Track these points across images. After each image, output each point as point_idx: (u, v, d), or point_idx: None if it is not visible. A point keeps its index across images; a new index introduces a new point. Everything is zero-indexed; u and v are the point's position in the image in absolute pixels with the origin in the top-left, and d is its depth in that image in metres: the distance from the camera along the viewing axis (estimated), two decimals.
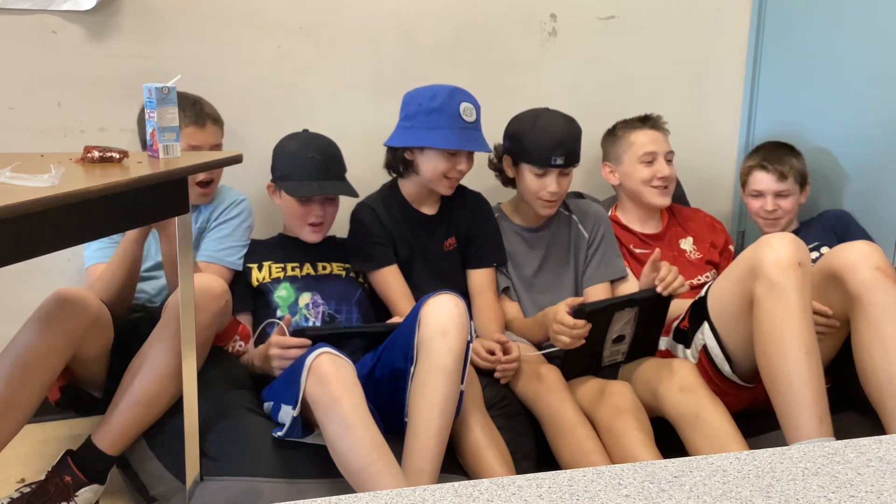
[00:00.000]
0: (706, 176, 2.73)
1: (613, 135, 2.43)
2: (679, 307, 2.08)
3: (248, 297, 2.10)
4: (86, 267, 2.06)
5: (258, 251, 2.15)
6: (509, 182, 2.30)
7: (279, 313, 2.07)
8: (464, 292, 2.18)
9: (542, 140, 2.14)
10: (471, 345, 1.73)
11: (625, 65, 2.65)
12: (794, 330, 1.69)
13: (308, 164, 2.06)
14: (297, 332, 1.86)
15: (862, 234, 2.27)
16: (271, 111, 2.35)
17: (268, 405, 1.84)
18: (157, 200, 1.48)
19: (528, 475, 1.17)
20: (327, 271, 2.17)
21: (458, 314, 1.69)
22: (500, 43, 2.53)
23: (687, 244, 2.41)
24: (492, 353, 2.00)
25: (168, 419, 1.77)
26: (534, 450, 1.95)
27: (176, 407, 1.74)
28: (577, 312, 1.90)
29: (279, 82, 2.37)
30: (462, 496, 1.11)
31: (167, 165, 1.46)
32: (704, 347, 1.94)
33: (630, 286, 2.27)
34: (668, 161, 2.36)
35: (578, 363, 2.02)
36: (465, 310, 1.71)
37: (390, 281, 2.14)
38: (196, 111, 2.05)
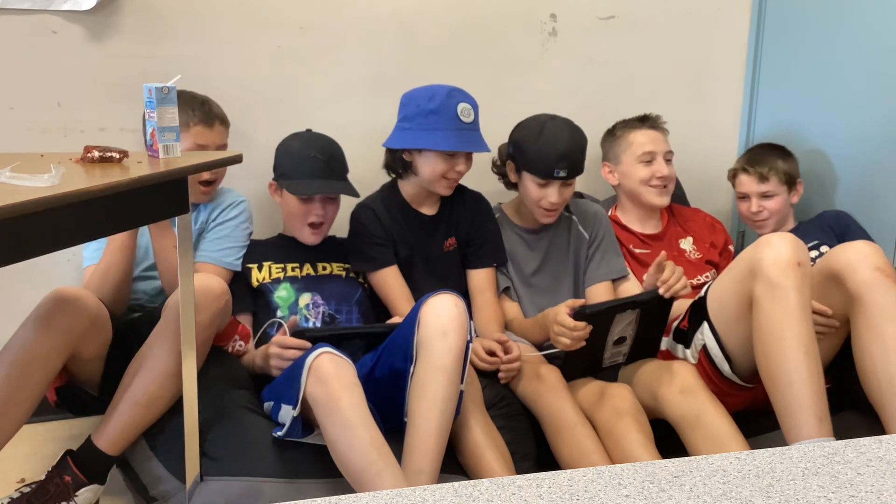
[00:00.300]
0: (706, 176, 2.73)
1: (613, 135, 2.42)
2: (679, 307, 2.08)
3: (248, 297, 2.10)
4: (83, 267, 2.05)
5: (258, 251, 2.15)
6: (512, 186, 2.30)
7: (279, 314, 2.07)
8: (464, 292, 2.18)
9: (546, 151, 2.12)
10: (470, 345, 1.73)
11: (625, 65, 2.65)
12: (794, 330, 1.69)
13: (310, 163, 2.06)
14: (297, 332, 1.86)
15: (861, 234, 2.26)
16: (271, 111, 2.35)
17: (268, 405, 1.84)
18: (156, 200, 1.48)
19: (528, 475, 1.17)
20: (327, 271, 2.17)
21: (457, 314, 1.69)
22: (500, 43, 2.53)
23: (687, 244, 2.41)
24: (492, 353, 2.00)
25: (168, 419, 1.77)
26: (534, 450, 1.94)
27: (176, 407, 1.74)
28: (577, 314, 1.89)
29: (279, 82, 2.37)
30: (462, 496, 1.11)
31: (167, 165, 1.47)
32: (704, 347, 1.94)
33: (631, 285, 2.27)
34: (668, 161, 2.35)
35: (579, 364, 2.02)
36: (465, 310, 1.71)
37: (390, 281, 2.14)
38: (205, 111, 2.06)
